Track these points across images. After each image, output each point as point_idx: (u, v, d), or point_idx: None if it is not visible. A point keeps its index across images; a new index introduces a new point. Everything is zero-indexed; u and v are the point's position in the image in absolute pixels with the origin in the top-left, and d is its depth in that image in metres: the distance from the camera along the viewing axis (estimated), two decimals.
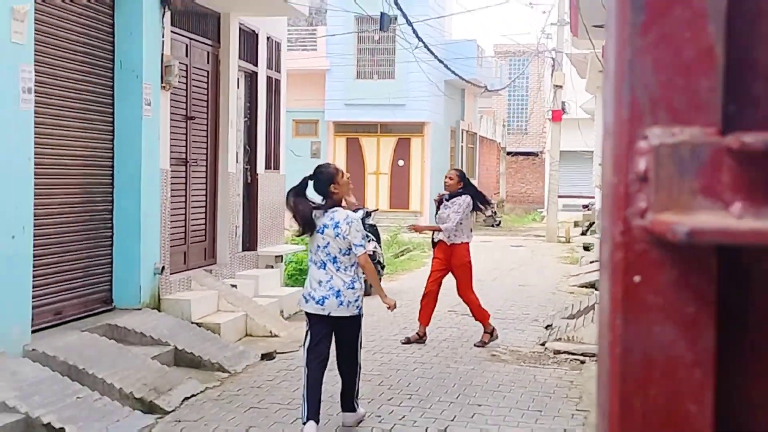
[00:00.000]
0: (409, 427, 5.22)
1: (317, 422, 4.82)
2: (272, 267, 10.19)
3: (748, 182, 0.73)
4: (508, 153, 31.10)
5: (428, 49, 14.05)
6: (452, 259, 7.46)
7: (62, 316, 6.71)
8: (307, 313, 5.06)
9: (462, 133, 24.10)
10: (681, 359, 0.77)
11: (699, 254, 0.74)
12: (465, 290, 7.59)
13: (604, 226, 0.79)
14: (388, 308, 5.43)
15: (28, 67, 5.77)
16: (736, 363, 0.80)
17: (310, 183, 5.22)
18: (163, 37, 7.64)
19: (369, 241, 7.94)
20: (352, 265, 4.98)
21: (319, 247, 4.98)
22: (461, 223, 7.33)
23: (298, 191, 5.10)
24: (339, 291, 4.86)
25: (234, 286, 8.83)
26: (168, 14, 7.69)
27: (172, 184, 8.06)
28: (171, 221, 8.13)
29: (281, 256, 10.51)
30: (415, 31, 12.85)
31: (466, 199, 7.34)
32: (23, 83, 5.72)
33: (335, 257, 4.92)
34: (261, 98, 10.19)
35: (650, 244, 0.75)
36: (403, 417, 5.41)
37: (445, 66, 16.59)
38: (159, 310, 7.61)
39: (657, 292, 0.76)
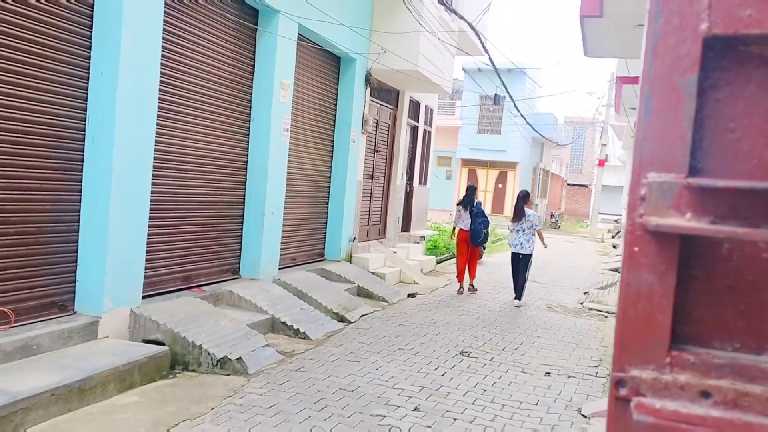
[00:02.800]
0: (493, 346, 7.35)
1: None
2: (417, 243, 13.70)
3: (694, 203, 1.09)
4: (569, 184, 45.36)
5: (523, 117, 20.09)
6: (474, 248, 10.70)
7: (296, 261, 9.42)
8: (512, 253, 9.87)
9: (540, 170, 34.25)
10: (655, 290, 1.14)
11: (667, 237, 1.12)
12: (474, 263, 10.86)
13: (625, 222, 1.16)
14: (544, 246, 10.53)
15: (287, 117, 8.23)
16: (684, 295, 1.17)
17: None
18: (364, 102, 10.65)
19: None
20: (531, 233, 9.48)
21: (520, 225, 9.47)
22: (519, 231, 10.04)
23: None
24: (522, 243, 9.23)
25: (394, 251, 11.96)
26: (368, 89, 10.73)
27: (363, 189, 11.21)
28: (361, 211, 11.19)
29: (423, 237, 14.20)
30: (516, 106, 17.68)
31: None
32: (284, 125, 8.22)
33: (525, 229, 9.20)
34: (419, 142, 13.92)
35: (643, 232, 1.13)
36: (490, 339, 7.65)
37: (533, 128, 24.27)
38: (350, 263, 10.44)
39: (645, 256, 1.15)
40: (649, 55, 1.16)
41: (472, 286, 10.82)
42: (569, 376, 6.34)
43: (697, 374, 1.14)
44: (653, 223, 1.12)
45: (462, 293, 10.55)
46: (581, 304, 10.62)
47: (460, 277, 10.64)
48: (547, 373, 6.41)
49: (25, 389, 4.18)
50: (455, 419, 4.98)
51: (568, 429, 4.95)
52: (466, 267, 10.67)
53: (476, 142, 30.05)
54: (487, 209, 27.10)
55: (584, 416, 5.24)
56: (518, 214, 9.87)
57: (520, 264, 9.87)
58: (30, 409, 4.12)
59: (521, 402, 5.50)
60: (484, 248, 12.62)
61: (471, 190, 10.61)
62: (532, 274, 11.57)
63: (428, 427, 4.77)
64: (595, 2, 6.64)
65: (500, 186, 30.75)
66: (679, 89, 1.13)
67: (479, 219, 10.37)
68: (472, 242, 10.45)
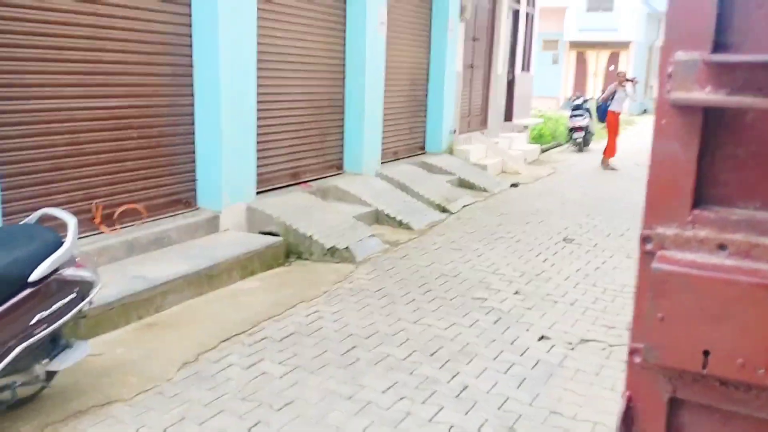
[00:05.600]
0: (597, 232, 7.28)
1: None
2: (521, 132, 13.38)
3: (714, 77, 1.17)
4: None
5: None
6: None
7: (397, 155, 9.61)
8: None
9: (656, 48, 28.92)
10: (679, 158, 1.27)
11: (691, 109, 1.22)
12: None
13: (657, 97, 1.25)
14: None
15: (383, 9, 8.22)
16: (712, 160, 1.28)
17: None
18: None
19: (584, 118, 11.65)
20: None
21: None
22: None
23: None
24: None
25: (496, 142, 11.78)
26: None
27: (463, 80, 10.99)
28: (461, 102, 11.04)
29: (527, 126, 13.86)
30: None
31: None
32: (380, 18, 8.17)
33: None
34: (520, 26, 13.23)
35: (669, 106, 1.25)
36: (595, 226, 7.56)
37: (646, 3, 23.24)
38: (451, 155, 10.50)
39: (671, 127, 1.26)
40: None
41: (608, 164, 12.21)
42: None
43: (716, 230, 1.24)
44: (677, 96, 1.20)
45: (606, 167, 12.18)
46: None
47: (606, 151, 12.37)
48: None
49: (162, 276, 4.71)
50: (556, 302, 5.12)
51: None
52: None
53: (586, 21, 27.61)
54: (597, 94, 26.24)
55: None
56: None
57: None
58: (167, 293, 4.67)
59: (624, 285, 5.54)
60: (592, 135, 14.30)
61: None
62: (643, 159, 11.47)
63: (528, 309, 4.95)
64: None
65: (612, 68, 28.86)
66: None
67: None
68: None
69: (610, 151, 12.20)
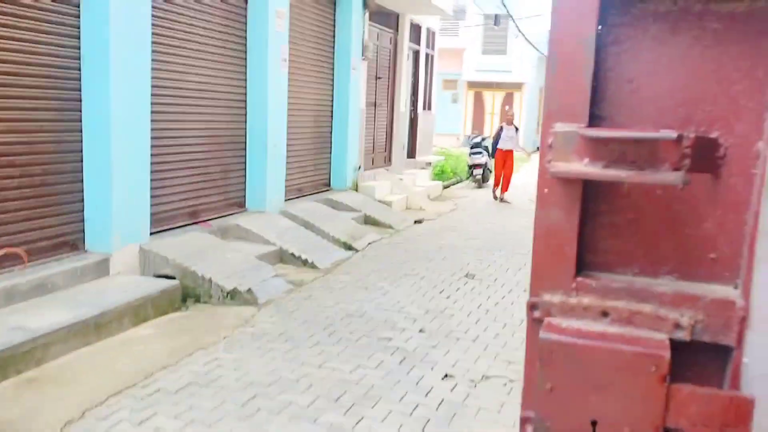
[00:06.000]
0: (497, 268, 7.45)
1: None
2: (424, 169, 13.70)
3: (591, 149, 1.22)
4: None
5: (524, 36, 19.91)
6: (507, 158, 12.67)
7: (302, 192, 9.46)
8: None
9: None
10: (562, 226, 1.30)
11: (570, 181, 1.27)
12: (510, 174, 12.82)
13: (539, 167, 1.30)
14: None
15: (285, 46, 8.15)
16: (593, 228, 1.32)
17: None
18: (363, 27, 10.41)
19: (482, 155, 12.14)
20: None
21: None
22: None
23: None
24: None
25: (400, 179, 11.99)
26: (367, 14, 10.48)
27: (366, 117, 11.11)
28: (365, 139, 11.12)
29: (429, 162, 14.21)
30: (517, 26, 17.81)
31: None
32: (282, 55, 8.09)
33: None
34: (421, 66, 13.63)
35: (550, 175, 1.29)
36: (495, 261, 7.73)
37: (536, 49, 24.33)
38: (356, 191, 10.50)
39: (553, 196, 1.31)
40: (553, 15, 1.24)
41: (502, 198, 12.91)
42: None
43: (599, 297, 1.28)
44: (557, 168, 1.25)
45: (496, 199, 12.98)
46: None
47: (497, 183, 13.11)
48: None
49: (44, 325, 4.36)
50: (459, 339, 5.16)
51: None
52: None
53: (482, 63, 29.16)
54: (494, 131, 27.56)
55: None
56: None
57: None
58: (50, 344, 4.31)
59: (522, 320, 5.63)
60: (491, 173, 14.55)
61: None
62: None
63: (433, 346, 4.95)
64: None
65: (507, 107, 30.24)
66: (580, 46, 1.22)
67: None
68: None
69: (498, 184, 12.95)
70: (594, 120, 1.26)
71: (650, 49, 1.26)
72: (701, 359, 1.28)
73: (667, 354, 1.20)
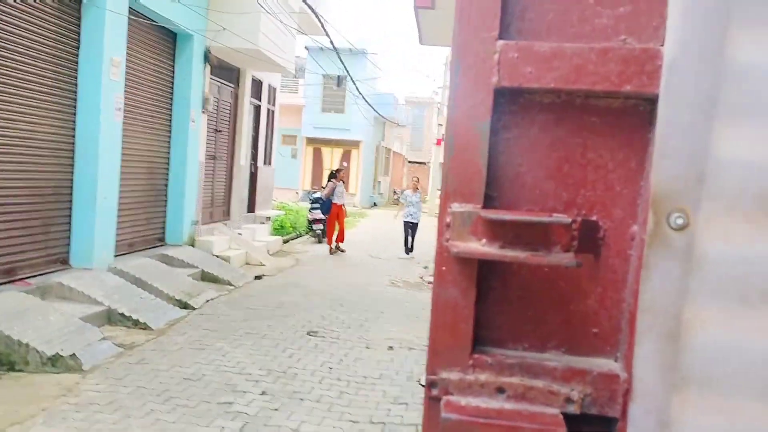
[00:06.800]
0: (339, 324, 7.44)
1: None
2: (264, 223, 13.60)
3: (488, 230, 1.26)
4: (409, 161, 46.92)
5: (363, 98, 21.58)
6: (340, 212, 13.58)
7: (133, 247, 8.94)
8: None
9: (382, 148, 35.25)
10: (459, 304, 1.31)
11: (467, 259, 1.30)
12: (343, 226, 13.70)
13: (437, 246, 1.34)
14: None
15: (120, 96, 7.81)
16: (485, 304, 1.35)
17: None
18: (204, 80, 10.30)
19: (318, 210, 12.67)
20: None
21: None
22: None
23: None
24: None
25: (240, 233, 11.75)
26: (208, 67, 10.39)
27: (205, 170, 10.86)
28: (203, 193, 10.83)
29: (269, 217, 14.15)
30: (356, 87, 18.87)
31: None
32: (116, 104, 7.74)
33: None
34: (262, 121, 13.72)
35: (448, 254, 1.30)
36: (337, 318, 7.76)
37: (373, 108, 26.05)
38: (193, 247, 10.14)
39: (450, 274, 1.31)
40: (450, 102, 1.32)
41: (338, 246, 13.60)
42: (410, 349, 6.69)
43: (494, 373, 1.32)
44: (455, 247, 1.30)
45: (333, 252, 13.43)
46: (421, 278, 11.15)
47: (329, 238, 13.73)
48: (390, 347, 6.70)
49: None
50: (302, 399, 5.08)
51: (410, 399, 5.24)
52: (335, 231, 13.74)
53: (321, 120, 29.92)
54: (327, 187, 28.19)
55: (423, 386, 5.55)
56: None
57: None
58: None
59: (366, 377, 5.72)
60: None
61: (330, 175, 14.03)
62: (376, 251, 14.07)
63: (275, 409, 4.83)
64: None
65: (345, 164, 30.96)
66: (475, 132, 1.30)
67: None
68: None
69: (332, 236, 13.70)
70: (487, 200, 1.32)
71: (536, 136, 1.35)
72: None
73: (563, 430, 1.26)
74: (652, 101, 1.27)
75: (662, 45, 1.25)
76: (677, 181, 1.22)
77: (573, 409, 1.30)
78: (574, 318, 1.38)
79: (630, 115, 1.33)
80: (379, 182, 35.29)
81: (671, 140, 1.23)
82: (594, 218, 1.36)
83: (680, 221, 1.22)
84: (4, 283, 6.37)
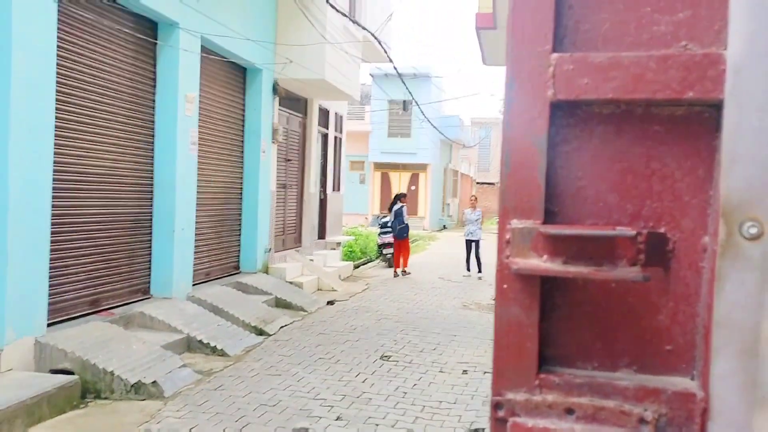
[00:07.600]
0: (412, 348, 7.43)
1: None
2: (334, 249, 13.79)
3: (549, 246, 1.23)
4: (477, 182, 46.86)
5: (429, 121, 22.20)
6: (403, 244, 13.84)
7: (210, 276, 9.21)
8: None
9: (450, 170, 35.38)
10: (523, 322, 1.29)
11: (529, 276, 1.27)
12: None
13: (497, 263, 1.28)
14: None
15: (194, 130, 8.21)
16: (550, 322, 1.31)
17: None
18: (273, 112, 10.61)
19: (392, 235, 12.82)
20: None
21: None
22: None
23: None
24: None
25: (311, 260, 11.95)
26: (276, 99, 10.71)
27: (276, 199, 11.14)
28: (275, 221, 11.10)
29: (340, 243, 14.32)
30: (422, 111, 19.15)
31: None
32: (191, 139, 8.14)
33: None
34: (330, 148, 13.98)
35: (509, 271, 1.27)
36: (409, 342, 7.73)
37: (439, 131, 27.03)
38: (267, 274, 10.36)
39: (513, 292, 1.29)
40: (506, 118, 1.31)
41: (405, 270, 13.69)
42: (485, 372, 6.56)
43: (562, 393, 1.27)
44: (516, 264, 1.27)
45: (397, 276, 13.54)
46: (494, 300, 10.98)
47: (396, 264, 13.90)
48: (465, 371, 6.61)
49: None
50: (377, 425, 5.06)
51: (486, 424, 5.13)
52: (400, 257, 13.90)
53: (387, 145, 30.23)
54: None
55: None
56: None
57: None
58: None
59: (440, 402, 5.65)
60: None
61: (395, 198, 14.23)
62: (446, 273, 14.01)
63: None
64: (489, 16, 6.92)
65: (413, 188, 31.09)
66: (532, 146, 1.28)
67: (396, 219, 13.88)
68: (396, 237, 13.89)
69: (398, 260, 13.86)
70: (547, 215, 1.30)
71: (596, 148, 1.32)
72: None
73: None
74: (717, 107, 1.23)
75: (725, 49, 1.20)
76: (749, 188, 1.16)
77: (647, 430, 1.25)
78: (646, 334, 1.32)
79: (694, 122, 1.29)
80: (448, 204, 35.17)
81: (740, 146, 1.17)
82: (662, 230, 1.31)
83: (754, 230, 1.16)
84: (90, 313, 6.67)
